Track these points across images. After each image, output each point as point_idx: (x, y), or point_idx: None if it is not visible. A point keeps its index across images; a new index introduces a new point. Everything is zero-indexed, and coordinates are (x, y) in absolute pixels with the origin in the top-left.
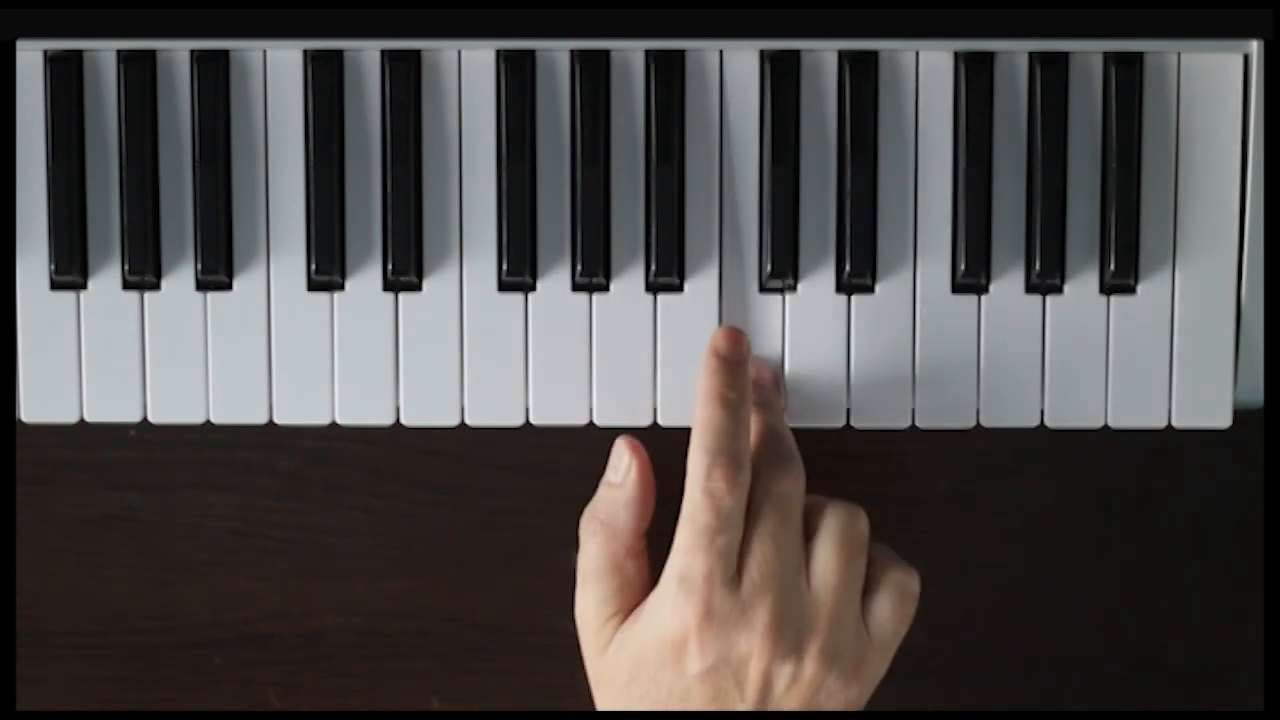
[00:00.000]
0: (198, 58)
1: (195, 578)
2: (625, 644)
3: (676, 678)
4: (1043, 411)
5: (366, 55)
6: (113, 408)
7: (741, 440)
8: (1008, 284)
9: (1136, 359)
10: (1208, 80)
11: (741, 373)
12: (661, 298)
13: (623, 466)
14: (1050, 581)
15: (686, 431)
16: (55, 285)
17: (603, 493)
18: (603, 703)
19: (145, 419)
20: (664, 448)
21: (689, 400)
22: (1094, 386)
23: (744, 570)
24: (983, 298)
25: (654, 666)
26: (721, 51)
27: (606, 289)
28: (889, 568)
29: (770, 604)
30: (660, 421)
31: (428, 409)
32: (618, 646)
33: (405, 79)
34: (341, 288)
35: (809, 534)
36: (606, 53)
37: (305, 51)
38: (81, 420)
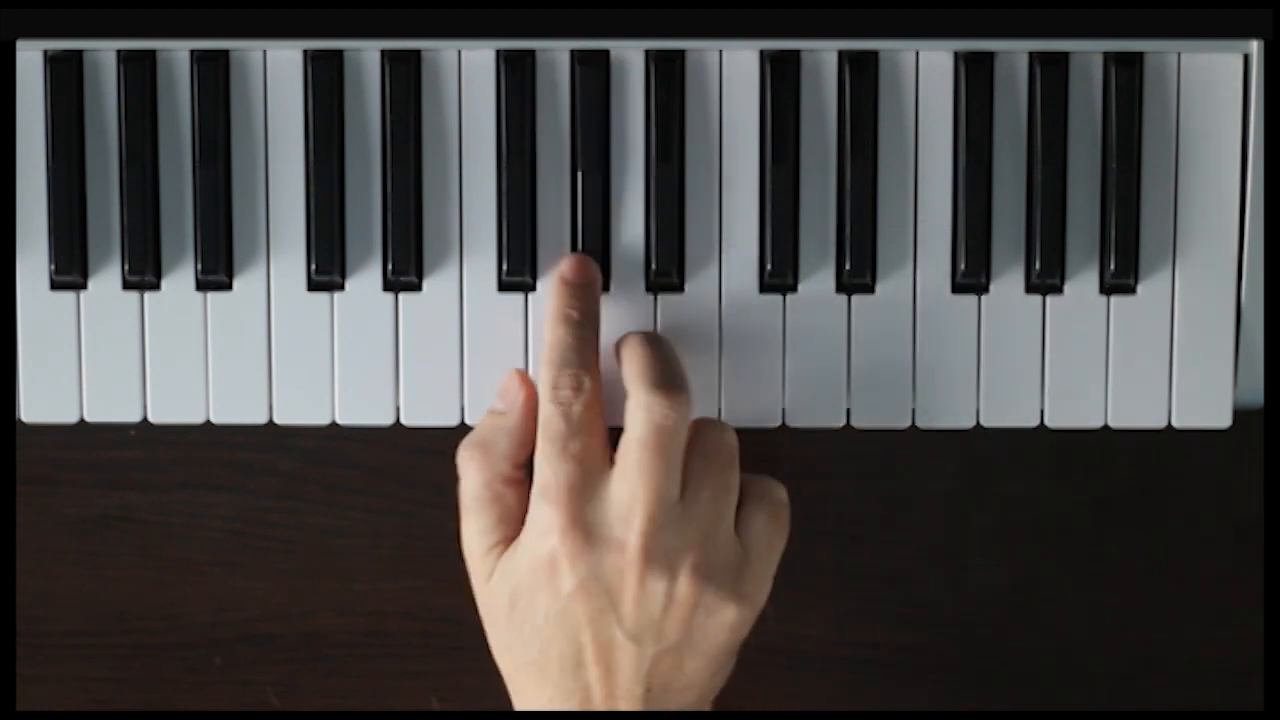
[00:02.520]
0: (198, 58)
1: (195, 578)
2: (504, 572)
3: (551, 599)
4: (1043, 411)
5: (366, 55)
6: (113, 408)
7: (587, 354)
8: (1008, 284)
9: (1136, 359)
10: (1208, 80)
11: (587, 294)
12: (661, 298)
13: (510, 396)
14: (1050, 581)
15: None
16: (55, 285)
17: (485, 419)
18: (492, 636)
19: (145, 419)
20: None
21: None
22: (1094, 386)
23: (612, 485)
24: (983, 298)
25: (529, 590)
26: (721, 51)
27: (606, 289)
28: (752, 481)
29: (640, 523)
30: None
31: (428, 409)
32: (498, 576)
33: (405, 79)
34: (341, 288)
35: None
36: (606, 53)
37: (305, 51)
38: (81, 420)
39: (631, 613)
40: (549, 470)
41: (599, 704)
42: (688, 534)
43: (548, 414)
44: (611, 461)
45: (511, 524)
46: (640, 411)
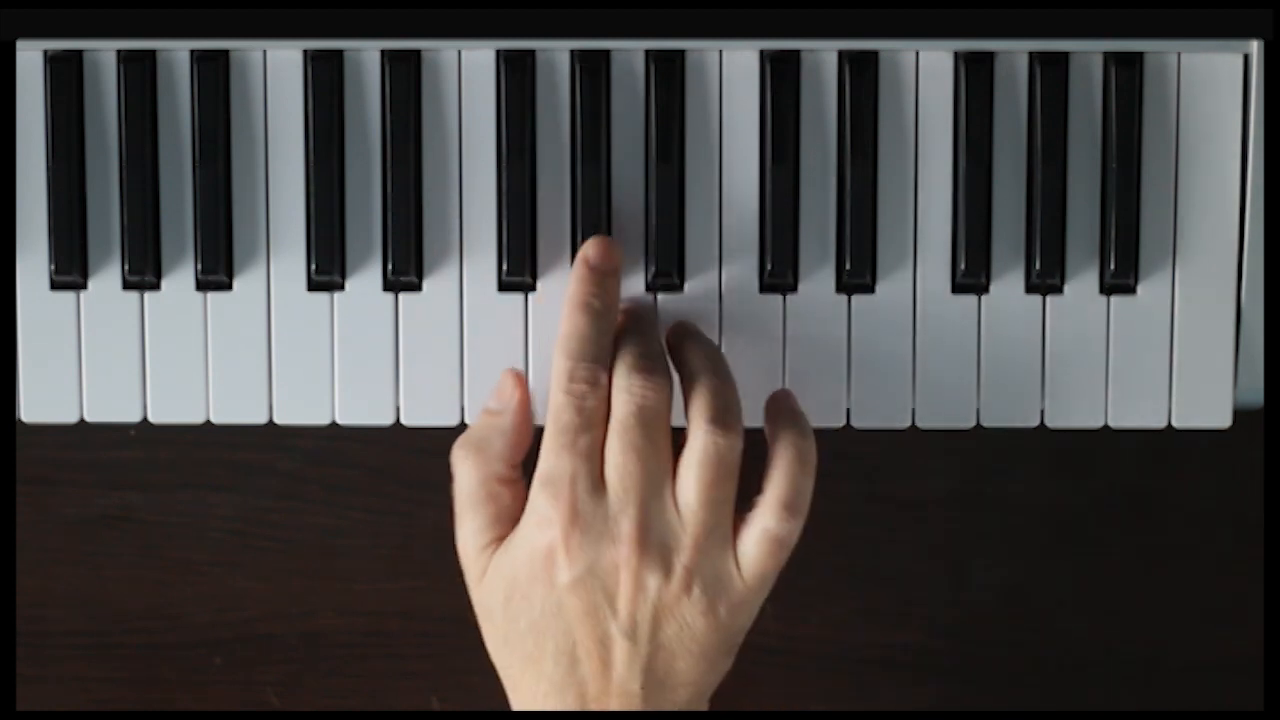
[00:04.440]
0: (198, 58)
1: (195, 578)
2: (499, 565)
3: (548, 590)
4: (1043, 411)
5: (366, 55)
6: (113, 408)
7: (605, 346)
8: (1008, 284)
9: (1136, 359)
10: (1208, 80)
11: (610, 282)
12: (661, 297)
13: (505, 395)
14: (1050, 581)
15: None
16: (55, 285)
17: (481, 419)
18: (486, 632)
19: (145, 419)
20: None
21: None
22: (1094, 386)
23: (607, 479)
24: (983, 298)
25: (526, 582)
26: (721, 51)
27: None
28: (767, 511)
29: (634, 515)
30: None
31: (428, 409)
32: (494, 569)
33: (405, 79)
34: (341, 288)
35: (679, 451)
36: (606, 53)
37: (305, 51)
38: (81, 420)
39: (626, 609)
40: (555, 461)
41: (594, 700)
42: (680, 535)
43: (559, 404)
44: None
45: (506, 523)
46: (622, 394)
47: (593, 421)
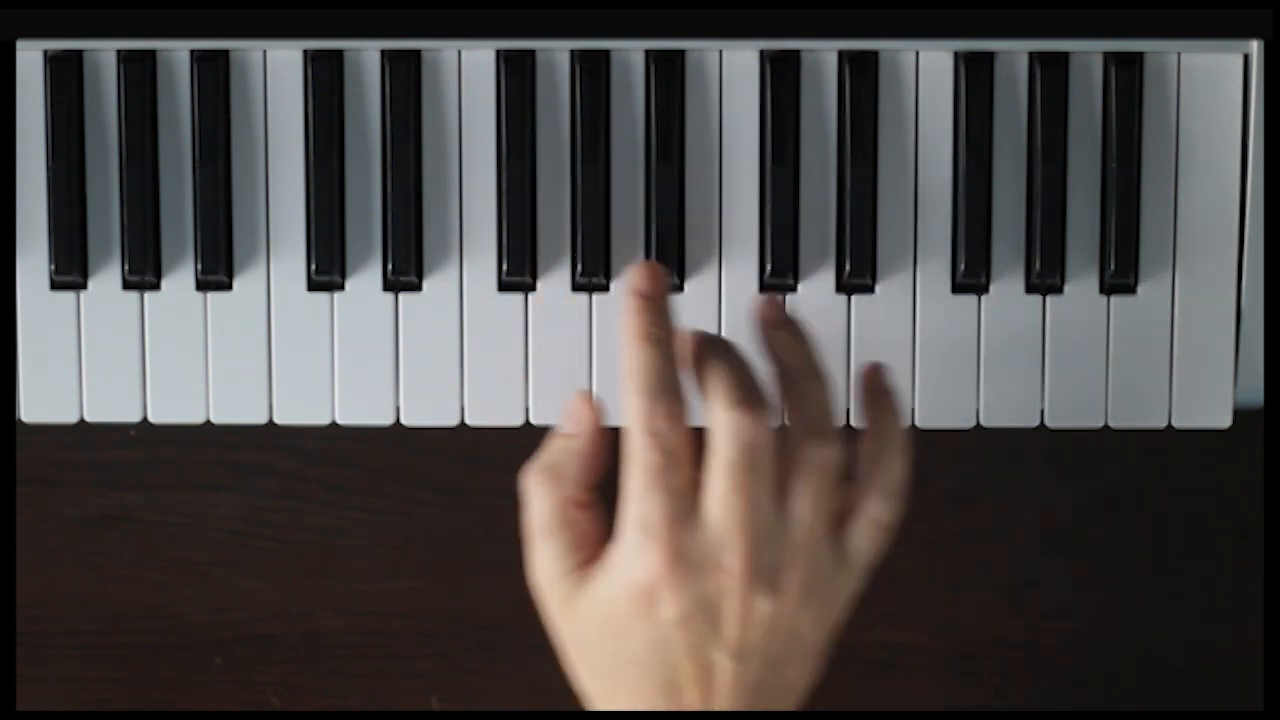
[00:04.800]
0: (198, 58)
1: (195, 578)
2: (595, 599)
3: (650, 627)
4: (1043, 411)
5: (366, 55)
6: (113, 408)
7: (675, 375)
8: (1008, 284)
9: (1136, 359)
10: (1208, 80)
11: (664, 309)
12: None
13: (579, 418)
14: (1050, 581)
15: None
16: (55, 285)
17: (553, 444)
18: (578, 659)
19: (145, 419)
20: None
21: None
22: (1094, 386)
23: (706, 509)
24: (983, 298)
25: (626, 618)
26: (721, 51)
27: (606, 289)
28: (866, 497)
29: (740, 544)
30: None
31: (428, 409)
32: (588, 603)
33: (405, 79)
34: (341, 288)
35: (784, 466)
36: (606, 53)
37: (305, 51)
38: (81, 420)
39: (735, 635)
40: (645, 505)
41: None
42: (788, 549)
43: (642, 444)
44: (700, 479)
45: (585, 548)
46: (726, 432)
47: (678, 457)
